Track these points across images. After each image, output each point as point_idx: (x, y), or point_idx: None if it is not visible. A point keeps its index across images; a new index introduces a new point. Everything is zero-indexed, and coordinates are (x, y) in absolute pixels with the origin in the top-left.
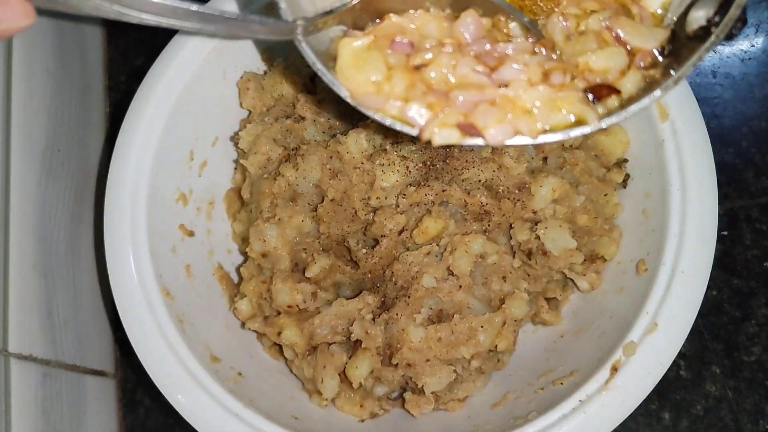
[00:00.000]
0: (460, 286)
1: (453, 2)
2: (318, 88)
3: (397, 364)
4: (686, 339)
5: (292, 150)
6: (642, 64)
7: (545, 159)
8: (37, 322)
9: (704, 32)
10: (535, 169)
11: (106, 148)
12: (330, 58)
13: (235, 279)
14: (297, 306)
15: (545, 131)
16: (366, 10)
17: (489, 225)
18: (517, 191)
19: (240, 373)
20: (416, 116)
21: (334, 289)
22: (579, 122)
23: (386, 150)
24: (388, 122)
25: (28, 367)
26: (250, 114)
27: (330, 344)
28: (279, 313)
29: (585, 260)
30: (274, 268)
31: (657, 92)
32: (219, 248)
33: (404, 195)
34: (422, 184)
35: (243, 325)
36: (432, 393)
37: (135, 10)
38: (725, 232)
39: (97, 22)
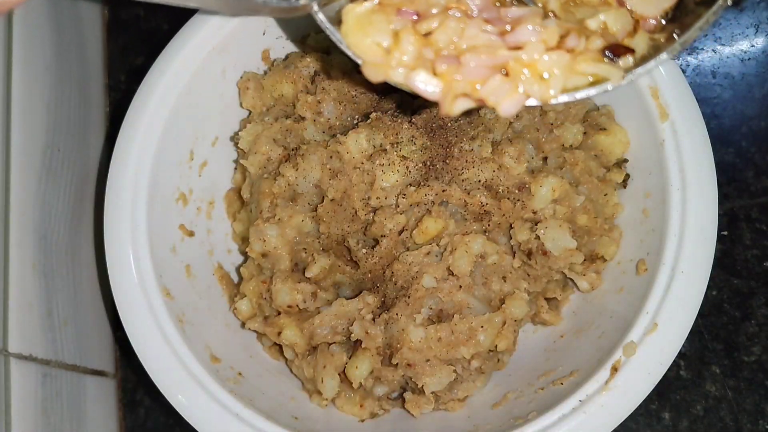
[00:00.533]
0: (460, 286)
1: None
2: (318, 87)
3: (397, 364)
4: (686, 339)
5: (292, 150)
6: (648, 28)
7: (545, 159)
8: (37, 321)
9: None
10: (535, 169)
11: (106, 147)
12: (338, 26)
13: (235, 279)
14: (297, 306)
15: (564, 91)
16: None
17: (489, 225)
18: (517, 191)
19: (240, 373)
20: (427, 87)
21: (334, 289)
22: (596, 82)
23: (386, 150)
24: (403, 88)
25: (28, 367)
26: (250, 114)
27: (330, 344)
28: (279, 313)
29: (585, 260)
30: (274, 268)
31: (664, 55)
32: (219, 248)
33: (404, 195)
34: (422, 184)
35: (243, 325)
36: (432, 393)
37: None
38: (725, 232)
39: (97, 21)
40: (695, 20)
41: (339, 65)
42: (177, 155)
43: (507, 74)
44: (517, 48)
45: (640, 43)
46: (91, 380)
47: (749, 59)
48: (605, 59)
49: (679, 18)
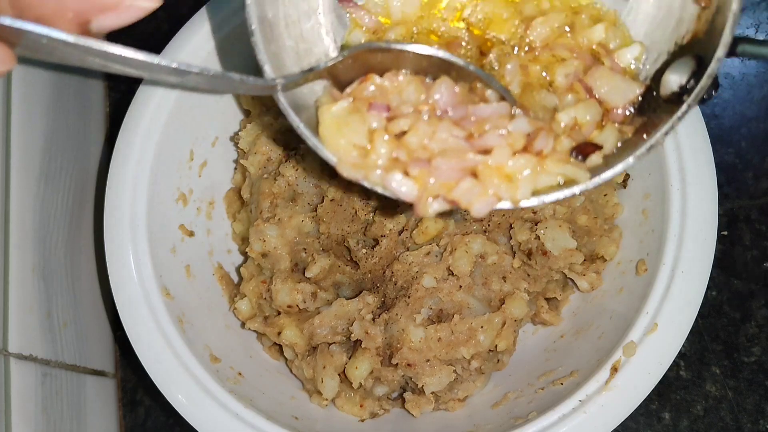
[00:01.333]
0: (460, 286)
1: (433, 67)
2: None
3: (397, 364)
4: (686, 339)
5: (292, 150)
6: (616, 119)
7: None
8: (37, 322)
9: (677, 98)
10: None
11: (106, 148)
12: (313, 119)
13: (235, 279)
14: (297, 306)
15: (534, 193)
16: (348, 67)
17: (489, 225)
18: None
19: (240, 373)
20: (401, 187)
21: (334, 289)
22: (568, 182)
23: None
24: (379, 190)
25: (28, 367)
26: (249, 114)
27: (330, 344)
28: (279, 313)
29: (585, 260)
30: (274, 268)
31: (630, 159)
32: (219, 248)
33: None
34: None
35: (243, 325)
36: (432, 393)
37: (119, 64)
38: (725, 233)
39: None
40: (661, 121)
41: None
42: (177, 155)
43: (477, 177)
44: (486, 151)
45: (609, 137)
46: (91, 380)
47: (749, 60)
48: (573, 160)
49: (646, 111)
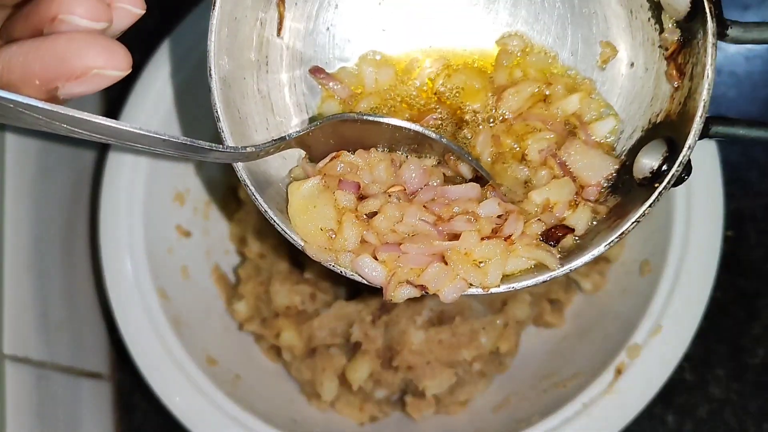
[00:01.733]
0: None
1: (407, 140)
2: None
3: (397, 366)
4: (690, 341)
5: None
6: (591, 198)
7: None
8: (32, 323)
9: (649, 182)
10: None
11: (102, 147)
12: (284, 193)
13: (233, 280)
14: (295, 307)
15: (505, 278)
16: (320, 137)
17: None
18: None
19: (238, 376)
20: (371, 272)
21: (333, 291)
22: (538, 266)
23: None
24: (348, 274)
25: (22, 370)
26: None
27: (329, 346)
28: (277, 314)
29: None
30: (272, 269)
31: (601, 247)
32: (216, 249)
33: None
34: None
35: (241, 327)
36: (433, 396)
37: (85, 131)
38: (730, 233)
39: None
40: (634, 206)
41: None
42: None
43: (446, 262)
44: (455, 236)
45: (581, 218)
46: (87, 382)
47: (754, 57)
48: (543, 244)
49: (620, 191)
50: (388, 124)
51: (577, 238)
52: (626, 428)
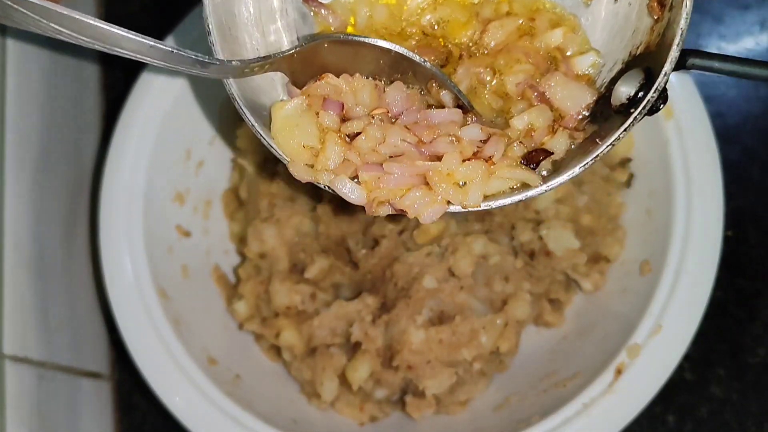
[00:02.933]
0: (462, 287)
1: (391, 66)
2: None
3: (397, 366)
4: (690, 341)
5: None
6: (569, 125)
7: None
8: (32, 323)
9: (625, 109)
10: None
11: (102, 146)
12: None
13: (233, 280)
14: (295, 307)
15: (486, 198)
16: (305, 63)
17: (491, 225)
18: None
19: (238, 376)
20: (350, 194)
21: (333, 290)
22: (521, 187)
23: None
24: (331, 191)
25: (23, 369)
26: None
27: (329, 346)
28: (277, 314)
29: (588, 261)
30: (272, 268)
31: (576, 169)
32: (216, 249)
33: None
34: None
35: (241, 326)
36: (433, 396)
37: (74, 33)
38: (730, 232)
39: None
40: (611, 131)
41: None
42: (173, 154)
43: (427, 183)
44: (437, 158)
45: (560, 142)
46: (87, 382)
47: (753, 57)
48: (523, 167)
49: (599, 120)
50: (374, 46)
51: (554, 161)
52: (626, 428)
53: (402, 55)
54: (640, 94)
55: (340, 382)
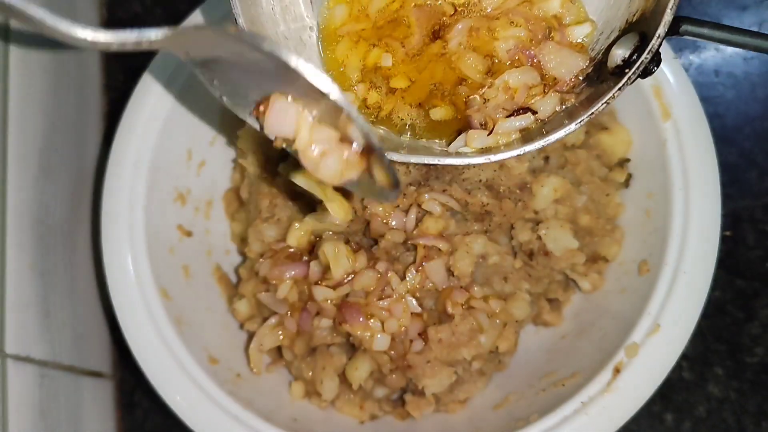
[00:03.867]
0: (461, 287)
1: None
2: None
3: (397, 365)
4: (688, 340)
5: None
6: (561, 88)
7: (546, 158)
8: (35, 322)
9: (620, 70)
10: (536, 169)
11: (104, 147)
12: None
13: (234, 280)
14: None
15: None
16: (196, 47)
17: (490, 225)
18: (518, 191)
19: (239, 374)
20: None
21: None
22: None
23: None
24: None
25: (25, 368)
26: None
27: (329, 345)
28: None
29: (587, 261)
30: None
31: (572, 126)
32: (217, 248)
33: (405, 194)
34: (422, 183)
35: (242, 326)
36: (432, 395)
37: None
38: (728, 233)
39: (94, 20)
40: (606, 91)
41: None
42: (175, 155)
43: None
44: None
45: (547, 104)
46: (89, 381)
47: (752, 58)
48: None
49: (595, 83)
50: (267, 53)
51: (545, 120)
52: (625, 427)
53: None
54: (635, 56)
55: (341, 381)
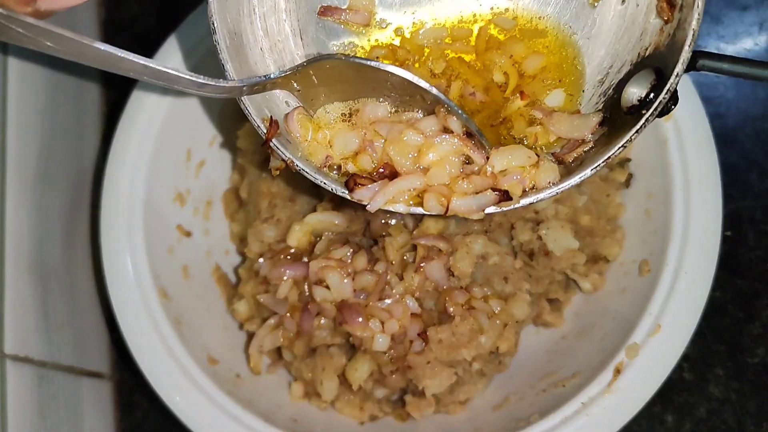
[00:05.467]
0: (461, 287)
1: (396, 89)
2: None
3: (397, 366)
4: (689, 340)
5: None
6: (574, 146)
7: None
8: (34, 323)
9: (636, 110)
10: None
11: (103, 148)
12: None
13: (233, 280)
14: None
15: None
16: (306, 82)
17: (490, 225)
18: None
19: (238, 375)
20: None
21: None
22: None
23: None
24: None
25: (24, 369)
26: None
27: (329, 346)
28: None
29: (587, 261)
30: None
31: (588, 171)
32: (217, 249)
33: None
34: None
35: (241, 326)
36: (433, 395)
37: (87, 59)
38: (729, 233)
39: (92, 21)
40: (622, 133)
41: None
42: (174, 155)
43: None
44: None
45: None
46: (88, 382)
47: (753, 57)
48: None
49: (607, 122)
50: (378, 69)
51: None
52: (625, 427)
53: (407, 80)
54: (651, 95)
55: (340, 381)
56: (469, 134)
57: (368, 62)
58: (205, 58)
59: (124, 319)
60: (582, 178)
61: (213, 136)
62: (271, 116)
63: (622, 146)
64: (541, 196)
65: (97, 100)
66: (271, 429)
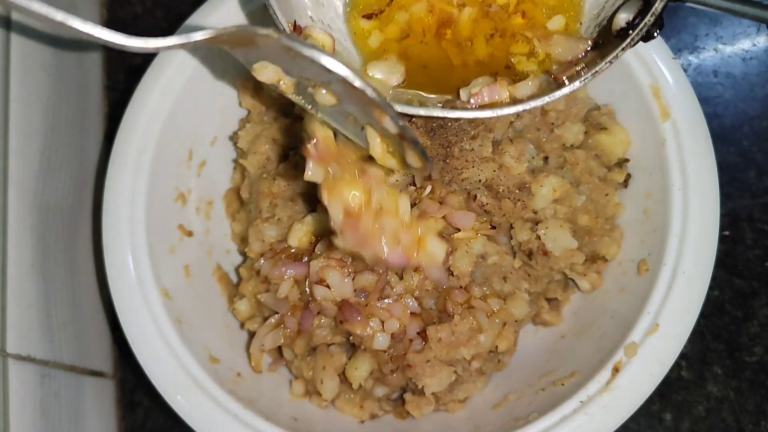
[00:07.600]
0: (461, 287)
1: (330, 82)
2: None
3: (397, 365)
4: (687, 339)
5: (292, 149)
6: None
7: (546, 158)
8: (36, 322)
9: (624, 33)
10: (535, 169)
11: (105, 147)
12: None
13: (234, 279)
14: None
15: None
16: (241, 45)
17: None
18: (517, 191)
19: (239, 374)
20: None
21: None
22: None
23: None
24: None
25: (26, 368)
26: (249, 113)
27: (330, 345)
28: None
29: (586, 260)
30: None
31: (576, 83)
32: (218, 248)
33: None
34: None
35: (242, 325)
36: (432, 394)
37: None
38: (727, 232)
39: (95, 21)
40: (610, 51)
41: None
42: (176, 155)
43: None
44: None
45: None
46: (90, 381)
47: (751, 58)
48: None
49: (599, 46)
50: (312, 61)
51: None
52: (624, 426)
53: (347, 80)
54: (638, 19)
55: (341, 380)
56: (402, 136)
57: (301, 48)
58: (195, 72)
59: (126, 318)
60: (572, 89)
61: (214, 136)
62: (294, 20)
63: (609, 61)
64: (533, 103)
65: (100, 100)
66: (272, 427)
